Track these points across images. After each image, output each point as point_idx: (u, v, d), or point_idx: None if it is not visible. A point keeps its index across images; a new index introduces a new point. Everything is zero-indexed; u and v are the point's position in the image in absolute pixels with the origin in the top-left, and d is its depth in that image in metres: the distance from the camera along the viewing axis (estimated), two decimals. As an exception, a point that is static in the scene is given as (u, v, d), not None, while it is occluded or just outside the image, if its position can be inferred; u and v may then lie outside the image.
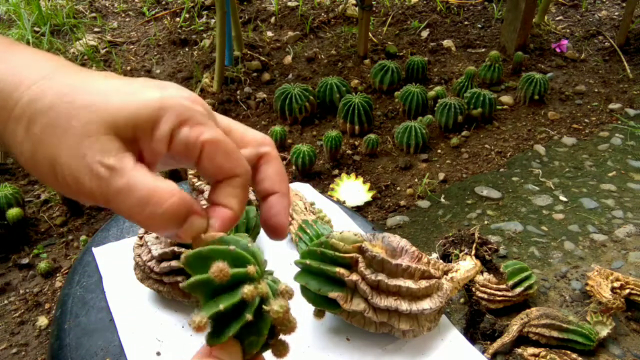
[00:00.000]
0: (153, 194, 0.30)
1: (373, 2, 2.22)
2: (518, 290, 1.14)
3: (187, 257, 0.31)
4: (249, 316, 0.30)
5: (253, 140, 0.36)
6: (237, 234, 0.33)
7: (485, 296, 1.15)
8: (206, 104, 0.35)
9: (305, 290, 0.59)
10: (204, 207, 0.34)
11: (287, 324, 0.31)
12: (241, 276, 0.30)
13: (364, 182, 1.57)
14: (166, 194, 0.30)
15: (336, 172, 1.66)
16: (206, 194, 0.73)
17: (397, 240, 0.59)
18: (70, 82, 0.31)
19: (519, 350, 1.06)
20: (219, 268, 0.29)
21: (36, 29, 2.37)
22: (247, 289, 0.30)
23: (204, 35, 2.37)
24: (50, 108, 0.30)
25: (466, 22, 2.53)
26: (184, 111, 0.32)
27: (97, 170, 0.29)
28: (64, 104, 0.30)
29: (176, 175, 1.55)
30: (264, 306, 0.30)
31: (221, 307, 0.29)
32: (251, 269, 0.31)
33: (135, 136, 0.31)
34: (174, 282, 0.61)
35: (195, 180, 0.76)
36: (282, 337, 0.32)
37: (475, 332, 1.08)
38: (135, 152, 0.31)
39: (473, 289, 1.15)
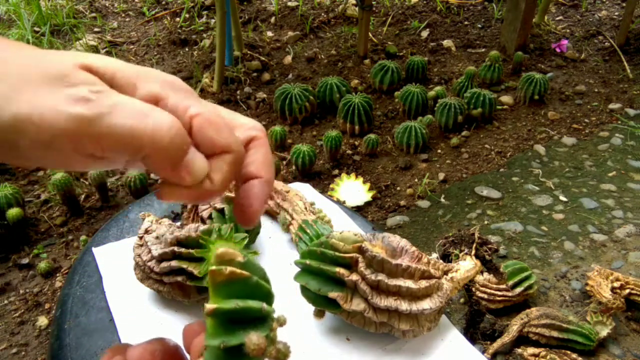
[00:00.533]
0: (150, 108, 0.27)
1: (373, 2, 2.22)
2: (518, 290, 1.14)
3: (215, 312, 0.28)
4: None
5: (243, 124, 0.34)
6: (252, 258, 0.31)
7: (485, 296, 1.15)
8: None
9: (305, 290, 0.59)
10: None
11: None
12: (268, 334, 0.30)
13: (364, 182, 1.57)
14: (161, 111, 0.28)
15: (336, 172, 1.66)
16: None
17: (397, 240, 0.59)
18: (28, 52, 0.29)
19: (519, 350, 1.06)
20: (257, 345, 0.28)
21: (36, 29, 2.37)
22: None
23: (204, 35, 2.37)
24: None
25: (466, 22, 2.53)
26: (169, 81, 0.31)
27: (83, 94, 0.26)
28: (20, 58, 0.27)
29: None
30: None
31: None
32: (274, 326, 0.31)
33: (117, 87, 0.28)
34: (174, 282, 0.61)
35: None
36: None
37: (475, 332, 1.08)
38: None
39: (473, 289, 1.15)
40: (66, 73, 0.27)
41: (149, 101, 0.29)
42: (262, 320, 0.30)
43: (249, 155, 0.34)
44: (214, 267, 0.28)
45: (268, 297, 0.30)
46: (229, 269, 0.28)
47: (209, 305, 0.28)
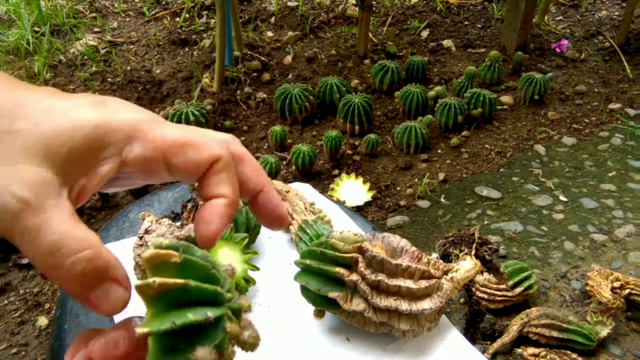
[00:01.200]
0: (66, 240, 0.26)
1: (373, 2, 2.22)
2: (518, 290, 1.14)
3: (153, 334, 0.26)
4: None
5: (216, 142, 0.32)
6: (191, 249, 0.28)
7: (485, 296, 1.15)
8: (148, 111, 0.31)
9: (305, 290, 0.59)
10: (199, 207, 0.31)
11: (245, 342, 0.28)
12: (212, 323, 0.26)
13: (364, 182, 1.57)
14: (81, 244, 0.26)
15: (336, 172, 1.66)
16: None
17: (397, 240, 0.59)
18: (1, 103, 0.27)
19: (519, 350, 1.06)
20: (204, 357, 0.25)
21: (36, 29, 2.37)
22: (229, 327, 0.27)
23: (204, 35, 2.37)
24: None
25: (466, 22, 2.53)
26: (129, 126, 0.29)
27: (8, 203, 0.25)
28: None
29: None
30: (233, 342, 0.27)
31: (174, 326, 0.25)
32: (210, 316, 0.26)
33: (72, 160, 0.27)
34: (174, 282, 0.61)
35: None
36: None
37: (475, 332, 1.08)
38: (73, 178, 0.28)
39: (473, 289, 1.15)
40: (6, 163, 0.26)
41: (113, 164, 0.28)
42: (212, 326, 0.26)
43: (240, 173, 0.33)
44: (139, 283, 0.26)
45: (216, 296, 0.27)
46: (158, 281, 0.25)
47: (140, 330, 0.25)
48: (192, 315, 0.25)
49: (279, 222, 0.35)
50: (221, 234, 0.31)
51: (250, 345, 0.27)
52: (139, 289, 0.26)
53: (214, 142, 0.31)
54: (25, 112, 0.27)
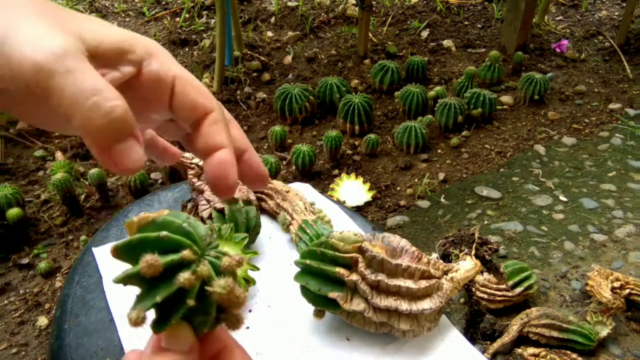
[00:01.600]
0: (104, 87, 0.27)
1: (373, 2, 2.22)
2: (518, 290, 1.14)
3: (116, 249, 0.29)
4: (190, 302, 0.28)
5: (212, 97, 0.35)
6: (173, 212, 0.31)
7: (485, 296, 1.15)
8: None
9: (305, 290, 0.59)
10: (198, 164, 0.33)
11: (234, 301, 0.29)
12: (175, 263, 0.28)
13: (364, 182, 1.57)
14: (117, 95, 0.28)
15: (336, 172, 1.66)
16: (207, 194, 0.73)
17: (397, 240, 0.59)
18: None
19: (519, 350, 1.06)
20: (148, 262, 0.27)
21: (36, 29, 2.37)
22: (182, 278, 0.27)
23: (204, 35, 2.37)
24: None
25: (466, 22, 2.53)
26: (152, 46, 0.32)
27: (50, 46, 0.27)
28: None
29: (176, 176, 1.55)
30: (206, 287, 0.28)
31: (158, 299, 0.28)
32: (186, 253, 0.28)
33: (100, 52, 0.30)
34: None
35: (195, 180, 0.76)
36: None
37: (475, 332, 1.08)
38: (97, 66, 0.30)
39: (473, 289, 1.15)
40: (57, 27, 0.28)
41: (132, 68, 0.31)
42: (188, 265, 0.29)
43: (213, 125, 0.35)
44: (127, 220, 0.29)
45: (184, 247, 0.29)
46: (137, 217, 0.29)
47: (117, 275, 0.28)
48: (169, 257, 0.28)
49: (261, 179, 0.37)
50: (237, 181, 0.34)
51: (218, 295, 0.28)
52: (128, 227, 0.29)
53: (213, 97, 0.34)
54: (68, 11, 0.31)
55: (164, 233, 0.29)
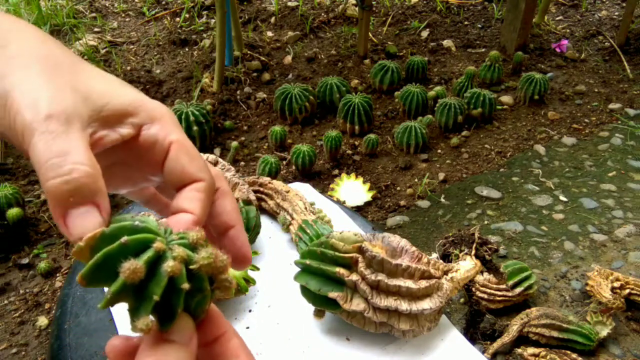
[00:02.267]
0: (72, 151, 0.28)
1: (373, 2, 2.22)
2: (518, 290, 1.14)
3: (83, 276, 0.27)
4: (185, 285, 0.28)
5: (207, 169, 0.35)
6: (114, 219, 0.30)
7: (485, 296, 1.15)
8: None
9: (305, 290, 0.59)
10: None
11: (220, 266, 0.29)
12: (152, 259, 0.28)
13: (364, 182, 1.57)
14: (87, 160, 0.28)
15: (336, 172, 1.66)
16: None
17: (397, 240, 0.59)
18: (42, 54, 0.33)
19: (519, 350, 1.06)
20: (130, 269, 0.26)
21: (36, 29, 2.37)
22: (168, 267, 0.27)
23: (204, 35, 2.37)
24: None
25: (466, 22, 2.53)
26: (158, 111, 0.34)
27: (41, 107, 0.29)
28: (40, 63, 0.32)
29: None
30: (191, 267, 0.28)
31: (155, 297, 0.27)
32: (158, 245, 0.28)
33: (104, 113, 0.32)
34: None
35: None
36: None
37: (475, 332, 1.08)
38: (98, 126, 0.31)
39: (473, 289, 1.15)
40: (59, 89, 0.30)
41: (132, 130, 0.33)
42: (164, 255, 0.28)
43: (219, 205, 0.35)
44: (74, 250, 0.28)
45: (151, 242, 0.28)
46: (83, 241, 0.28)
47: (105, 299, 0.27)
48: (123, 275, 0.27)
49: (242, 260, 0.36)
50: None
51: (206, 266, 0.28)
52: (75, 254, 0.28)
53: (206, 168, 0.34)
54: (83, 69, 0.33)
55: (124, 239, 0.27)
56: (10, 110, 0.29)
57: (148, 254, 0.27)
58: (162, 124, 0.33)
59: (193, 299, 0.29)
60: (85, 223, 0.28)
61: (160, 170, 0.34)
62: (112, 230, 0.28)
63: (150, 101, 0.34)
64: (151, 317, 0.28)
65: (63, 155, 0.28)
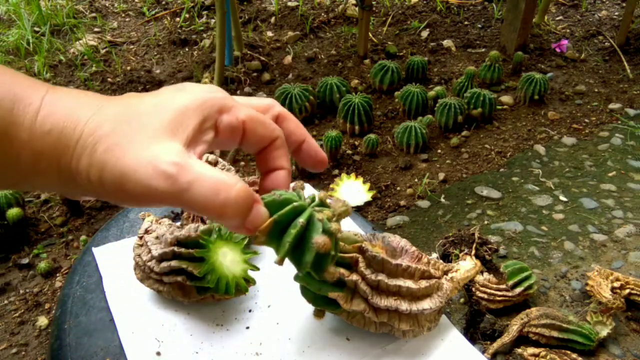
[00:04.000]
0: (222, 181, 0.32)
1: (373, 2, 2.22)
2: (518, 290, 1.14)
3: (282, 257, 0.39)
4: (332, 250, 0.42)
5: (263, 107, 0.41)
6: (283, 193, 0.39)
7: (485, 296, 1.15)
8: (220, 88, 0.39)
9: (305, 290, 0.59)
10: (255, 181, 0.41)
11: (350, 209, 0.42)
12: (308, 220, 0.40)
13: (364, 182, 1.57)
14: (232, 181, 0.33)
15: (336, 172, 1.66)
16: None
17: (397, 240, 0.59)
18: (120, 109, 0.34)
19: (519, 350, 1.06)
20: (323, 243, 0.37)
21: (36, 29, 2.37)
22: (332, 227, 0.39)
23: (204, 35, 2.37)
24: (112, 131, 0.33)
25: (466, 22, 2.53)
26: (217, 102, 0.37)
27: (166, 169, 0.31)
28: (123, 124, 0.33)
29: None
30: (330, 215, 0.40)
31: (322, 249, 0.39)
32: (321, 195, 0.42)
33: (189, 131, 0.35)
34: (174, 282, 0.61)
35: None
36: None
37: (475, 332, 1.08)
38: (191, 147, 0.35)
39: (473, 289, 1.15)
40: (152, 142, 0.33)
41: (212, 132, 0.37)
42: (309, 224, 0.40)
43: (285, 128, 0.41)
44: (261, 240, 0.38)
45: (297, 209, 0.40)
46: (259, 231, 0.37)
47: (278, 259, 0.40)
48: (293, 230, 0.39)
49: (320, 164, 0.44)
50: None
51: (344, 213, 0.40)
52: (257, 243, 0.38)
53: (273, 125, 0.39)
54: (140, 107, 0.35)
55: (301, 220, 0.39)
56: (126, 184, 0.32)
57: (305, 216, 0.39)
58: (228, 112, 0.37)
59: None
60: (260, 217, 0.36)
61: (239, 140, 0.38)
62: (279, 216, 0.38)
63: (204, 96, 0.36)
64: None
65: (219, 188, 0.32)
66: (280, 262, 0.38)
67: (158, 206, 0.33)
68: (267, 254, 0.76)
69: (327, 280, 0.39)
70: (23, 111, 0.32)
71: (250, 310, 0.66)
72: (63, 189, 0.35)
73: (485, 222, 1.46)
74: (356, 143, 1.79)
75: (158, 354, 0.59)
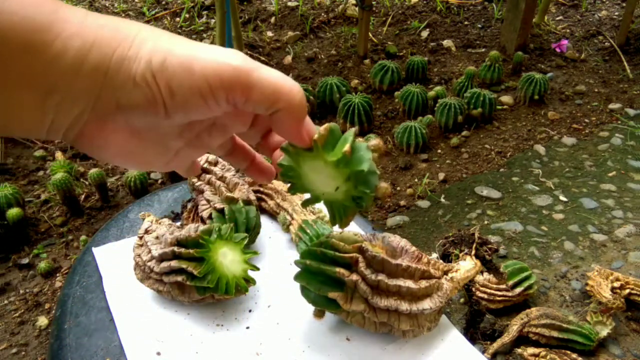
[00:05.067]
0: (284, 77, 0.32)
1: (373, 2, 2.22)
2: (518, 290, 1.14)
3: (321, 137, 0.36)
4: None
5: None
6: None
7: (485, 296, 1.15)
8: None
9: (305, 290, 0.59)
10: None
11: (383, 146, 0.39)
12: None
13: (364, 182, 1.57)
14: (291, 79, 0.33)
15: (336, 172, 1.66)
16: (207, 194, 0.73)
17: (397, 240, 0.59)
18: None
19: (519, 350, 1.06)
20: (378, 142, 0.37)
21: (36, 29, 2.37)
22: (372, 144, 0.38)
23: (204, 35, 2.37)
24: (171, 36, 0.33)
25: (466, 22, 2.53)
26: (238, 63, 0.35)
27: (234, 56, 0.32)
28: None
29: (176, 175, 1.55)
30: (370, 144, 0.38)
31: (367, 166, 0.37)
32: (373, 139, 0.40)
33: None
34: (174, 282, 0.61)
35: (195, 180, 0.76)
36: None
37: (475, 332, 1.08)
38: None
39: (473, 289, 1.15)
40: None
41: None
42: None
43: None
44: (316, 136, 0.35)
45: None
46: (319, 134, 0.36)
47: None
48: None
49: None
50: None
51: (379, 147, 0.38)
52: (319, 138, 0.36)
53: (285, 79, 0.38)
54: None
55: (346, 147, 0.36)
56: (193, 68, 0.31)
57: (351, 131, 0.37)
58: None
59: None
60: (312, 125, 0.35)
61: (250, 122, 0.38)
62: (334, 125, 0.37)
63: (209, 49, 0.35)
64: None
65: (285, 79, 0.32)
66: (348, 152, 0.35)
67: (213, 101, 0.31)
68: (267, 254, 0.76)
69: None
70: (69, 13, 0.30)
71: (250, 310, 0.66)
72: (97, 102, 0.31)
73: (485, 222, 1.46)
74: (356, 143, 1.79)
75: (158, 354, 0.59)
